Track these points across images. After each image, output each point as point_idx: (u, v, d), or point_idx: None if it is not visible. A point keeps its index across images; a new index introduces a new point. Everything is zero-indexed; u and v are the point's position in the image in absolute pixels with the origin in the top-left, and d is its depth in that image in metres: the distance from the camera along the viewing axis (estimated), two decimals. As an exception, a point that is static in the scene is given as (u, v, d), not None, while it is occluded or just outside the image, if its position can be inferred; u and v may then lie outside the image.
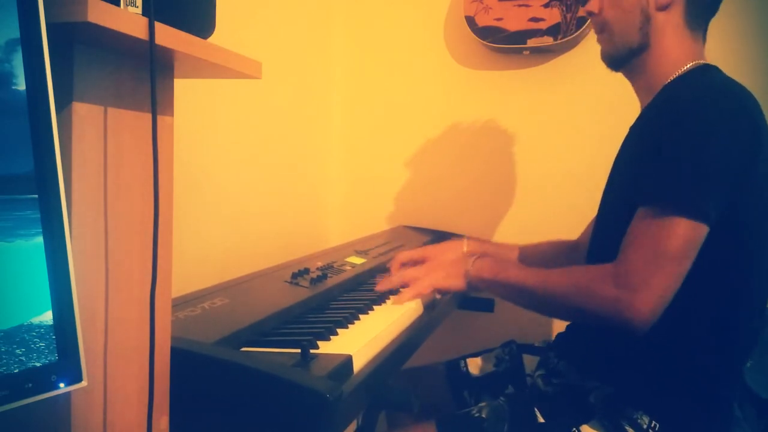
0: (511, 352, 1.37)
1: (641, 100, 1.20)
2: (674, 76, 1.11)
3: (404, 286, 1.22)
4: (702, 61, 1.12)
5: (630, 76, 1.20)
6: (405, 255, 1.38)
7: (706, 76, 1.09)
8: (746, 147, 0.96)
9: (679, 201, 0.94)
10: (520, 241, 1.49)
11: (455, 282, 1.19)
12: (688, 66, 1.11)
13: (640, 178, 1.00)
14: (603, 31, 1.19)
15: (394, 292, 1.23)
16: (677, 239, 0.93)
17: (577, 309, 1.03)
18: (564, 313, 1.14)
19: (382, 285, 1.23)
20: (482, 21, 1.92)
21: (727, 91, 1.01)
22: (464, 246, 1.42)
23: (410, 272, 1.23)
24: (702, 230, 0.94)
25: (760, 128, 0.98)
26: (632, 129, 1.21)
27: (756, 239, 1.01)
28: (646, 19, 1.13)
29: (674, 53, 1.12)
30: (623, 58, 1.17)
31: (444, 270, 1.21)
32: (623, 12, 1.15)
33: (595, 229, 1.23)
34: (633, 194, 1.00)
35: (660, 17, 1.12)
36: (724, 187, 0.95)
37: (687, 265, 0.95)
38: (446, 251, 1.40)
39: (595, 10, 1.19)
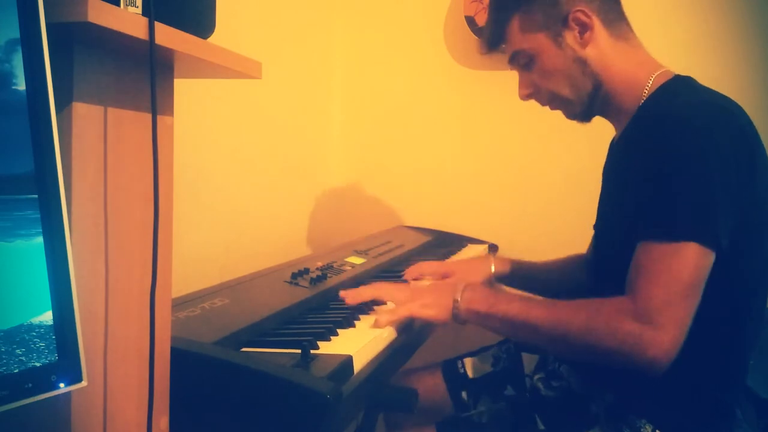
0: (508, 350, 1.36)
1: (616, 125, 1.16)
2: (644, 95, 1.07)
3: (377, 302, 1.12)
4: (664, 71, 1.08)
5: (601, 113, 1.16)
6: (429, 267, 1.33)
7: (684, 94, 1.04)
8: (743, 166, 0.95)
9: (691, 232, 0.91)
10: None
11: (436, 313, 1.06)
12: (653, 79, 1.07)
13: (644, 211, 0.96)
14: (553, 101, 1.15)
15: (379, 303, 1.13)
16: (693, 270, 0.91)
17: (592, 347, 0.95)
18: (577, 351, 1.01)
19: (352, 298, 1.09)
20: (482, 21, 1.92)
21: (712, 112, 0.98)
22: (491, 265, 1.34)
23: (390, 291, 1.12)
24: (712, 257, 0.93)
25: (751, 146, 0.97)
26: (614, 148, 1.16)
27: (757, 248, 1.01)
28: (583, 63, 1.08)
29: (628, 72, 1.09)
30: (589, 107, 1.13)
31: (429, 297, 1.08)
32: (561, 74, 1.10)
33: (594, 256, 1.18)
34: (634, 226, 0.97)
35: (591, 51, 1.08)
36: (731, 211, 0.93)
37: (701, 292, 0.93)
38: (471, 271, 1.33)
39: (529, 90, 1.15)
